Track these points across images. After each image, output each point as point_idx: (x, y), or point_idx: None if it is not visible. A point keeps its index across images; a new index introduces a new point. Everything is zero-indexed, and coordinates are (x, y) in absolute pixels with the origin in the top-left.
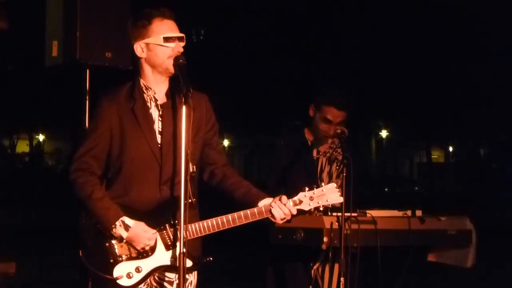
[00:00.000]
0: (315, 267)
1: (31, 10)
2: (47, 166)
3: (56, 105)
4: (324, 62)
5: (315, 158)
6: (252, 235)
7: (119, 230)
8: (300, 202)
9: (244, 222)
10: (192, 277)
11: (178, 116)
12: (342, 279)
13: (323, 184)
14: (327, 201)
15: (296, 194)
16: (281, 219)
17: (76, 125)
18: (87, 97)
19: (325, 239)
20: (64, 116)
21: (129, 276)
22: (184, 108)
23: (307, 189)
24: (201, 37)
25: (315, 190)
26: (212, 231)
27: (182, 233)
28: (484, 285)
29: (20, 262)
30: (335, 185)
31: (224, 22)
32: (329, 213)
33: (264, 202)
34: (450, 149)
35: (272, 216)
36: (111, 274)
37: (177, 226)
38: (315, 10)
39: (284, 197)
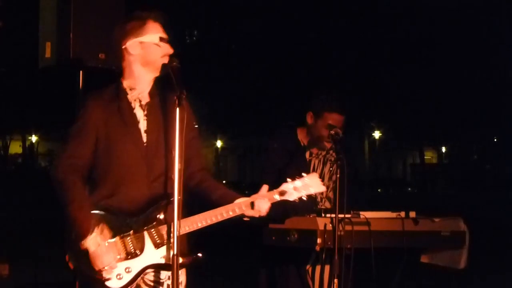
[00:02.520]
0: (306, 268)
1: (24, 12)
2: (40, 167)
3: (49, 106)
4: (316, 64)
5: (307, 159)
6: (245, 236)
7: (89, 243)
8: (285, 192)
9: (227, 217)
10: (182, 277)
11: (164, 116)
12: (336, 280)
13: (304, 174)
14: (310, 190)
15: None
16: (262, 210)
17: (70, 126)
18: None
19: (318, 240)
20: (58, 117)
21: (118, 277)
22: (177, 110)
23: (289, 180)
24: (194, 38)
25: (298, 181)
26: (197, 228)
27: (176, 233)
28: (477, 286)
29: (14, 264)
30: (317, 174)
31: (217, 24)
32: (323, 215)
33: (241, 200)
34: (443, 149)
35: (252, 208)
36: (101, 276)
37: (165, 224)
38: (307, 11)
39: (265, 187)
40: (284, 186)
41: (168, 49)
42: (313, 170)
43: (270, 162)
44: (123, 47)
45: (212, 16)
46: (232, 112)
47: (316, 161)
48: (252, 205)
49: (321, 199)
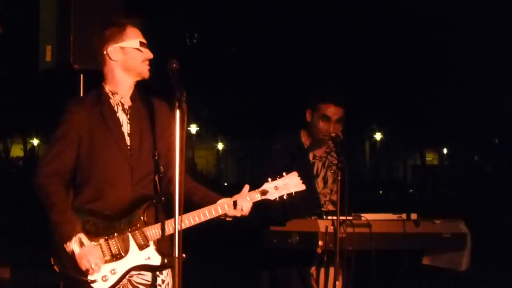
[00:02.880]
0: (310, 271)
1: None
2: None
3: (50, 109)
4: (318, 65)
5: (311, 162)
6: (245, 239)
7: (73, 245)
8: (266, 192)
9: (210, 218)
10: (169, 278)
11: (146, 119)
12: (337, 283)
13: (284, 174)
14: (290, 189)
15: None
16: (244, 210)
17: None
18: None
19: (320, 242)
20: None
21: (104, 279)
22: (177, 112)
23: (270, 179)
24: (195, 41)
25: (279, 180)
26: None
27: (176, 234)
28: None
29: (15, 267)
30: (297, 173)
31: (218, 26)
32: (324, 217)
33: (224, 200)
34: (445, 151)
35: (235, 208)
36: (86, 278)
37: (149, 226)
38: (309, 13)
39: (246, 186)
40: (265, 186)
41: (148, 54)
42: (317, 173)
43: (272, 164)
44: (104, 52)
45: (213, 18)
46: (233, 114)
47: (320, 164)
48: (234, 204)
49: (325, 202)
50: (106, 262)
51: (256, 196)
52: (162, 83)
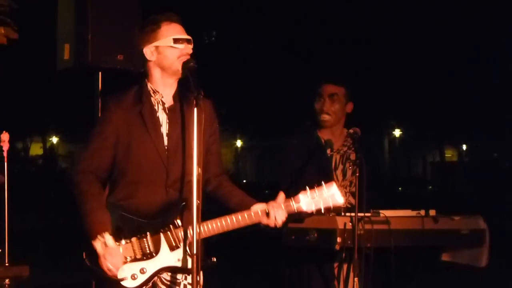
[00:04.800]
0: (331, 268)
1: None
2: (61, 168)
3: (69, 107)
4: (337, 63)
5: (329, 155)
6: (263, 237)
7: (97, 244)
8: (302, 203)
9: (242, 224)
10: (199, 278)
11: (186, 119)
12: (356, 279)
13: (322, 183)
14: (328, 203)
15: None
16: (278, 221)
17: (90, 127)
18: (100, 100)
19: (338, 239)
20: (78, 118)
21: (133, 277)
22: (195, 111)
23: (308, 189)
24: (213, 39)
25: (316, 191)
26: (211, 234)
27: (195, 236)
28: (497, 286)
29: (34, 265)
30: (336, 184)
31: (236, 24)
32: (343, 214)
33: (258, 207)
34: (464, 147)
35: (268, 217)
36: (116, 275)
37: (181, 227)
38: (326, 8)
39: (282, 194)
40: (301, 197)
41: (186, 49)
42: (335, 166)
43: (289, 159)
44: (143, 52)
45: (231, 16)
46: (252, 112)
47: (338, 156)
48: (267, 214)
49: (345, 193)
50: (137, 260)
51: (293, 206)
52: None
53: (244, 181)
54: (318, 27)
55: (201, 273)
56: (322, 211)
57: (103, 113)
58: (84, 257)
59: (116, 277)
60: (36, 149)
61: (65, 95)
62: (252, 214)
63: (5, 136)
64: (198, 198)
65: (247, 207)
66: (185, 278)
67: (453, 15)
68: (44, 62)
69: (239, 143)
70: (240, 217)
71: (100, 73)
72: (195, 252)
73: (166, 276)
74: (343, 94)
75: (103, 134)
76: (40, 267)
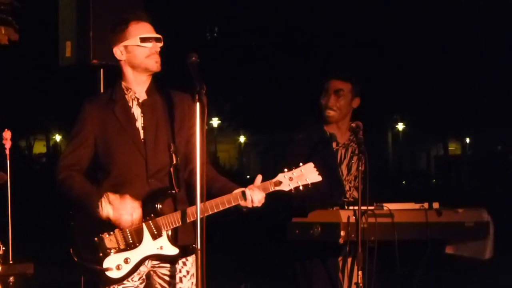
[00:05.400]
0: (335, 262)
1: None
2: None
3: (72, 105)
4: (341, 58)
5: (334, 149)
6: (267, 231)
7: (105, 208)
8: (280, 183)
9: (222, 208)
10: (193, 269)
11: (162, 112)
12: (359, 273)
13: (301, 164)
14: (306, 180)
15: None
16: (255, 201)
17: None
18: None
19: (342, 233)
20: None
21: (118, 268)
22: (197, 106)
23: (285, 170)
24: (215, 35)
25: (294, 171)
26: (192, 219)
27: (198, 227)
28: (501, 279)
29: (39, 263)
30: (313, 164)
31: (238, 19)
32: (346, 207)
33: (238, 191)
34: (467, 140)
35: (244, 199)
36: (101, 266)
37: (163, 216)
38: (330, 3)
39: (259, 177)
40: (279, 176)
41: (154, 47)
42: (340, 160)
43: (294, 153)
44: (113, 51)
45: (233, 11)
46: (255, 108)
47: (343, 151)
48: (244, 195)
49: (350, 188)
50: (121, 251)
51: (270, 187)
52: (183, 77)
53: (248, 176)
54: (323, 22)
55: (194, 261)
56: (301, 188)
57: (79, 114)
58: (71, 252)
59: (102, 267)
60: (39, 147)
61: (68, 93)
62: (231, 198)
63: (7, 134)
64: (177, 187)
65: (227, 191)
66: (180, 271)
67: (457, 9)
68: (47, 60)
69: (242, 138)
70: (219, 202)
71: (102, 70)
72: (198, 243)
73: (162, 270)
74: (349, 90)
75: (80, 133)
76: (45, 265)
